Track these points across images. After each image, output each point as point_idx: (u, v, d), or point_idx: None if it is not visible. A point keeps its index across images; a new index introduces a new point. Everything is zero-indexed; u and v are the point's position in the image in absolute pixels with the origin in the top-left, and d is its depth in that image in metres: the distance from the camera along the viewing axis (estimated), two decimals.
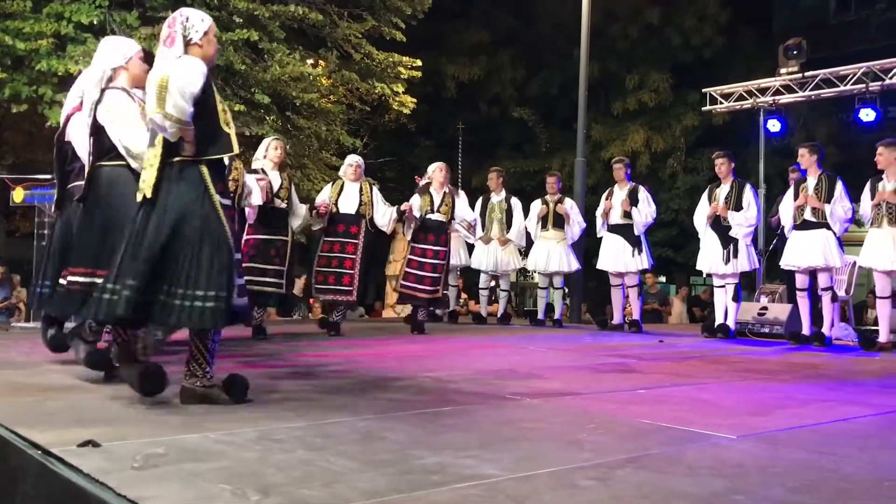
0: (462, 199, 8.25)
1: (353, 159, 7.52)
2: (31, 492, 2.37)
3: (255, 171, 6.73)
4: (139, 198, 3.45)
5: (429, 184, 7.93)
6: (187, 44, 3.56)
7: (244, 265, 6.22)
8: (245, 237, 6.59)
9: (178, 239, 3.33)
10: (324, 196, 7.35)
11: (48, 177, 7.82)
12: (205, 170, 3.44)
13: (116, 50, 4.23)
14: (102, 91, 4.09)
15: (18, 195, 7.49)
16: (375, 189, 7.63)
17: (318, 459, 2.44)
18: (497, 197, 9.45)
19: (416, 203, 7.80)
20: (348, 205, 7.22)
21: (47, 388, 3.73)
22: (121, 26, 9.57)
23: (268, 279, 6.63)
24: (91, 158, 4.05)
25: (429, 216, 7.77)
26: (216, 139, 3.48)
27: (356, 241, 7.17)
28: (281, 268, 6.69)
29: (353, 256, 7.13)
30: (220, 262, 3.33)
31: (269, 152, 6.94)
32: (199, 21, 3.65)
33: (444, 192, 7.89)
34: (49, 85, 9.34)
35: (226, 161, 3.72)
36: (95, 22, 9.30)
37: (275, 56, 10.45)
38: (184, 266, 3.30)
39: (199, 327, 3.36)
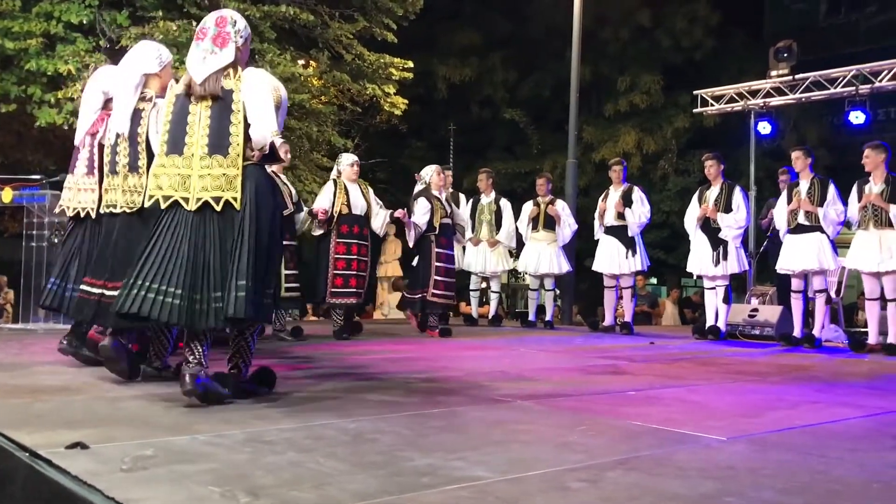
0: (460, 202, 8.28)
1: (351, 158, 7.41)
2: (19, 495, 2.35)
3: None
4: (217, 206, 3.40)
5: (428, 186, 7.83)
6: (236, 48, 3.58)
7: None
8: None
9: (255, 242, 3.41)
10: (322, 201, 7.16)
11: (37, 177, 7.78)
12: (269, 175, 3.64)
13: (152, 56, 4.15)
14: (152, 100, 4.03)
15: (7, 195, 7.44)
16: (370, 189, 7.61)
17: (307, 461, 2.43)
18: (486, 198, 9.45)
19: (426, 210, 7.65)
20: (357, 206, 7.16)
21: (36, 390, 3.71)
22: (111, 26, 9.53)
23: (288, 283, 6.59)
24: (146, 169, 3.89)
25: (444, 220, 7.73)
26: (272, 148, 3.53)
27: (367, 244, 7.21)
28: (290, 272, 6.59)
29: (366, 259, 7.17)
30: (277, 262, 3.71)
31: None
32: (244, 27, 3.68)
33: (447, 195, 8.02)
34: (38, 85, 9.29)
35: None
36: (85, 21, 9.25)
37: (266, 56, 10.41)
38: (260, 266, 3.41)
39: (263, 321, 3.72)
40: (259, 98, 3.48)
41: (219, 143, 3.45)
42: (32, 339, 6.19)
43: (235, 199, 3.39)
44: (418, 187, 7.87)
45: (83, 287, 4.14)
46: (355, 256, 7.09)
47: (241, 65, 3.59)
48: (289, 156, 3.54)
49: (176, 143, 3.50)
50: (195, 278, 3.36)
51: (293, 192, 6.94)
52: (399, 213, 7.57)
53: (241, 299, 3.32)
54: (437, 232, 7.68)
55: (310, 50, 11.76)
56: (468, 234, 9.06)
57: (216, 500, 2.03)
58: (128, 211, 4.01)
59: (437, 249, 7.69)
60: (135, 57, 4.18)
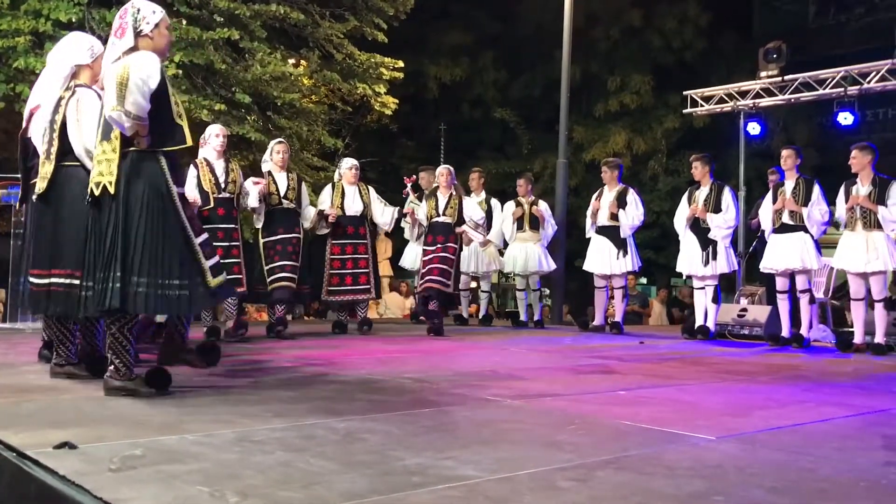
0: (469, 199, 8.27)
1: (350, 162, 7.75)
2: (7, 494, 2.34)
3: (262, 174, 7.09)
4: (98, 191, 3.50)
5: (436, 187, 8.13)
6: (137, 35, 3.58)
7: (271, 265, 6.84)
8: (262, 240, 6.97)
9: (143, 230, 3.42)
10: (326, 201, 7.57)
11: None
12: (163, 161, 3.53)
13: (83, 47, 4.16)
14: (73, 89, 4.02)
15: None
16: (372, 189, 7.86)
17: (297, 461, 2.43)
18: (477, 198, 9.46)
19: (422, 207, 8.08)
20: (352, 207, 7.53)
21: (23, 390, 3.69)
22: (100, 24, 9.48)
23: (287, 274, 6.91)
24: (56, 157, 3.94)
25: (435, 219, 7.92)
26: (171, 132, 3.56)
27: (366, 241, 7.56)
28: (296, 264, 6.96)
29: (366, 256, 7.53)
30: (184, 250, 3.48)
31: (273, 155, 7.16)
32: (150, 13, 3.65)
33: (451, 195, 8.01)
34: (27, 83, 9.22)
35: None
36: (74, 19, 9.20)
37: (256, 55, 10.39)
38: (154, 256, 3.41)
39: (176, 313, 3.52)
40: (107, 80, 3.50)
41: (105, 129, 3.56)
42: (20, 339, 6.16)
43: (111, 182, 3.46)
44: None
45: (32, 280, 4.04)
46: (350, 256, 7.45)
47: (154, 49, 3.60)
48: (147, 139, 3.49)
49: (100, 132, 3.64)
50: (88, 266, 3.50)
51: (283, 188, 7.04)
52: (407, 209, 8.03)
53: (109, 290, 3.37)
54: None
55: (300, 49, 11.74)
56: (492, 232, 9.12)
57: (205, 500, 2.02)
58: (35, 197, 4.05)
59: (423, 247, 8.06)
60: (66, 48, 4.19)
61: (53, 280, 3.85)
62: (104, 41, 8.20)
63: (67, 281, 3.81)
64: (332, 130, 13.29)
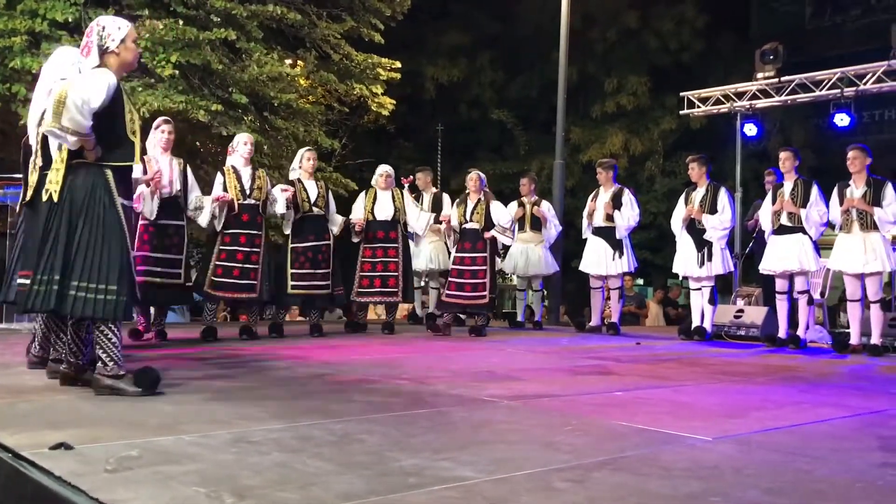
0: (497, 203, 8.29)
1: (383, 169, 7.96)
2: (3, 496, 2.33)
3: (292, 182, 7.32)
4: (45, 197, 3.70)
5: (466, 194, 8.24)
6: (104, 52, 3.74)
7: (297, 271, 7.11)
8: (290, 245, 7.23)
9: (84, 237, 3.59)
10: (359, 207, 7.84)
11: (21, 176, 7.73)
12: (109, 173, 3.69)
13: (68, 61, 4.22)
14: None
15: None
16: (406, 194, 8.13)
17: (294, 462, 2.43)
18: (471, 201, 9.45)
19: (453, 213, 8.23)
20: (383, 212, 7.77)
21: (19, 391, 3.68)
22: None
23: (317, 283, 7.23)
24: (40, 167, 4.09)
25: (464, 225, 8.06)
26: (120, 147, 3.72)
27: (396, 245, 7.77)
28: (327, 271, 7.27)
29: (396, 260, 7.74)
30: (121, 259, 3.63)
31: (303, 163, 7.39)
32: (115, 29, 3.78)
33: (479, 200, 8.10)
34: (23, 83, 9.21)
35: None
36: (70, 20, 9.18)
37: (252, 56, 10.38)
38: (91, 262, 3.57)
39: (105, 318, 3.58)
40: (50, 96, 3.65)
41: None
42: (17, 339, 6.15)
43: (56, 191, 3.66)
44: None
45: (19, 280, 4.32)
46: (381, 259, 7.72)
47: (120, 66, 3.77)
48: (93, 152, 3.63)
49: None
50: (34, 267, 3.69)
51: (312, 195, 7.26)
52: (444, 216, 8.26)
53: (46, 292, 3.57)
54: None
55: (297, 50, 11.73)
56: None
57: (202, 500, 2.02)
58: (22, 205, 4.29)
59: (454, 254, 8.29)
60: (53, 61, 4.30)
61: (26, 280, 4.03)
62: None
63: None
64: (329, 131, 13.28)
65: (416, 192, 9.18)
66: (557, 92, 11.75)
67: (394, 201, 7.83)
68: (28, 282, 3.95)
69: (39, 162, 4.12)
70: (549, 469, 2.44)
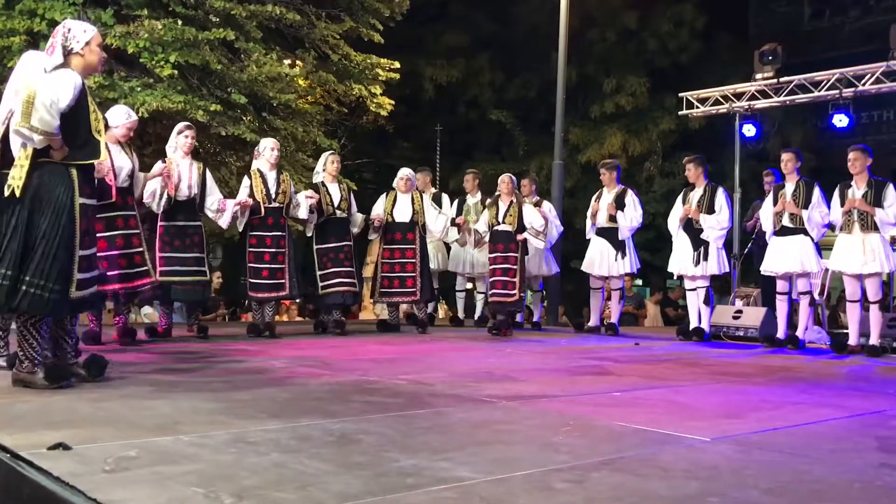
0: (529, 206, 8.37)
1: (403, 173, 8.17)
2: (1, 496, 2.33)
3: (314, 186, 7.62)
4: (7, 192, 3.72)
5: (498, 196, 8.33)
6: (68, 53, 3.85)
7: (323, 272, 7.45)
8: (315, 247, 7.53)
9: (41, 232, 3.67)
10: (378, 207, 8.06)
11: None
12: (74, 172, 3.79)
13: (36, 65, 4.21)
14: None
15: None
16: (426, 197, 8.36)
17: (292, 462, 2.43)
18: (473, 199, 9.46)
19: (484, 215, 8.39)
20: (402, 214, 7.98)
21: (16, 391, 3.68)
22: (95, 24, 9.44)
23: (343, 280, 7.52)
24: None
25: (495, 227, 8.16)
26: (85, 145, 3.82)
27: (414, 247, 7.98)
28: (350, 269, 7.60)
29: (413, 260, 7.94)
30: (64, 257, 3.71)
31: (327, 166, 7.67)
32: (81, 32, 3.91)
33: (511, 202, 8.19)
34: None
35: (96, 164, 4.05)
36: (69, 19, 9.18)
37: (251, 56, 10.36)
38: (41, 257, 3.66)
39: (41, 314, 3.71)
40: (18, 96, 3.72)
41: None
42: (12, 339, 6.13)
43: (18, 187, 3.68)
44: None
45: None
46: (398, 260, 7.95)
47: (84, 68, 3.89)
48: (60, 152, 3.72)
49: None
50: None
51: (336, 199, 7.50)
52: (460, 219, 8.42)
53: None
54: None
55: (296, 50, 11.72)
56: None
57: (200, 501, 2.02)
58: None
59: (489, 255, 8.38)
60: (23, 65, 4.31)
61: None
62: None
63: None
64: (328, 131, 13.26)
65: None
66: (556, 92, 11.75)
67: (413, 204, 8.03)
68: None
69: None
70: (547, 469, 2.44)
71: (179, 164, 6.51)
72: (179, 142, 6.64)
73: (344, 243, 7.60)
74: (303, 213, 7.28)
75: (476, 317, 9.72)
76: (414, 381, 4.36)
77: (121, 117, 5.99)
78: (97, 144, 3.87)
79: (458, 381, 4.39)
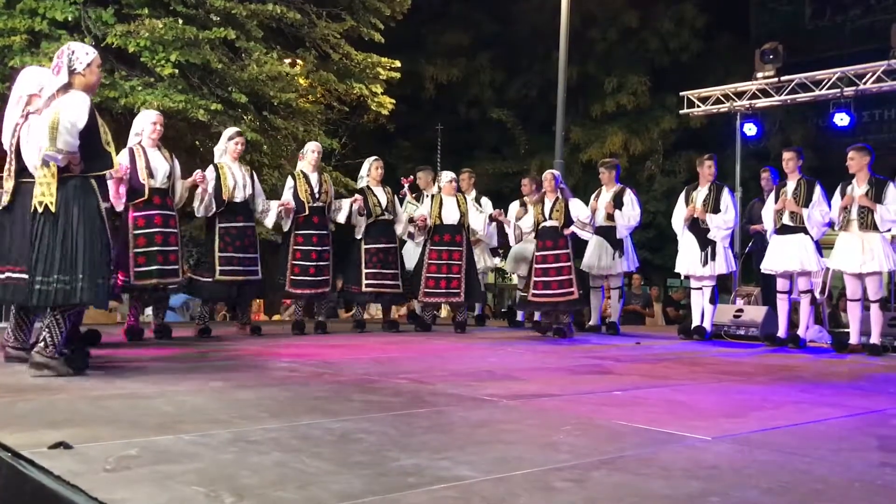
0: (575, 200, 8.29)
1: (448, 176, 8.39)
2: (1, 495, 2.33)
3: (361, 190, 7.89)
4: (41, 209, 4.09)
5: (543, 193, 8.26)
6: (71, 73, 4.22)
7: (370, 271, 7.79)
8: (364, 247, 7.82)
9: (83, 237, 4.09)
10: (424, 210, 8.27)
11: None
12: (94, 183, 4.24)
13: (35, 81, 4.58)
14: (25, 115, 4.51)
15: None
16: (469, 198, 8.57)
17: (293, 461, 2.43)
18: (468, 197, 9.46)
19: (529, 213, 8.40)
20: (450, 216, 8.17)
21: (18, 389, 3.68)
22: (96, 23, 9.46)
23: (387, 281, 7.85)
24: (15, 174, 4.45)
25: (543, 224, 8.04)
26: (99, 158, 4.24)
27: (460, 249, 8.15)
28: (397, 271, 7.93)
29: (459, 262, 8.12)
30: (104, 253, 4.20)
31: (371, 171, 7.97)
32: (84, 54, 4.30)
33: (556, 199, 8.10)
34: None
35: (107, 174, 4.49)
36: (70, 19, 9.18)
37: (252, 55, 10.37)
38: (91, 259, 4.09)
39: (104, 300, 4.25)
40: (42, 121, 4.11)
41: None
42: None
43: (52, 203, 4.08)
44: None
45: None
46: (445, 261, 8.10)
47: (85, 87, 4.25)
48: (79, 166, 4.12)
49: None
50: (34, 267, 4.11)
51: (383, 202, 7.83)
52: (496, 212, 8.43)
53: (55, 290, 4.05)
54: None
55: (297, 49, 11.73)
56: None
57: (201, 500, 2.02)
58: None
59: (535, 253, 8.27)
60: (21, 80, 4.70)
61: (8, 275, 4.37)
62: (100, 40, 8.58)
63: (18, 276, 4.31)
64: (329, 130, 13.27)
65: (417, 192, 9.18)
66: (557, 91, 11.75)
67: (459, 206, 8.21)
68: (16, 277, 4.34)
69: (13, 172, 4.45)
70: (547, 469, 2.44)
71: (231, 168, 6.91)
72: (229, 147, 6.99)
73: (391, 245, 7.94)
74: (341, 217, 7.61)
75: (475, 315, 9.71)
76: (415, 380, 4.36)
77: (144, 119, 6.42)
78: (109, 156, 4.29)
79: (459, 381, 4.39)
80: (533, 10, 17.27)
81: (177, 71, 9.53)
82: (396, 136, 18.64)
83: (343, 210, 7.61)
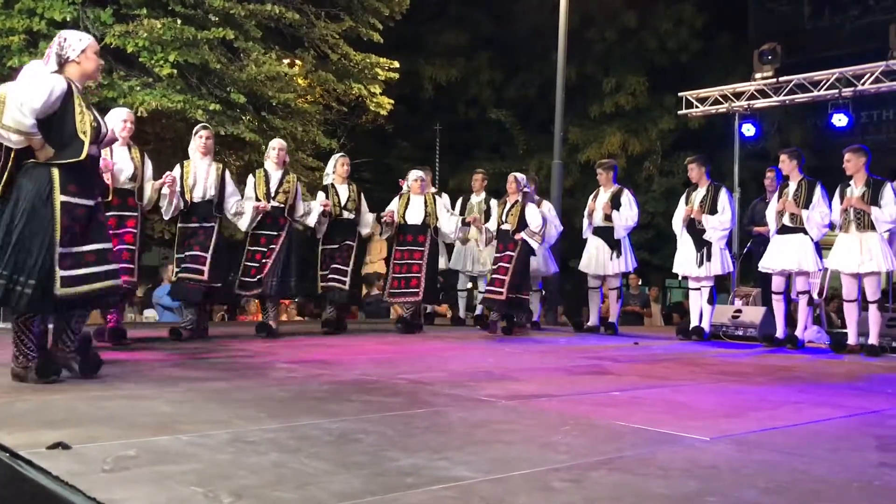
0: (532, 207, 8.32)
1: (416, 174, 8.29)
2: (0, 495, 2.33)
3: (325, 188, 7.72)
4: None
5: (507, 195, 8.35)
6: (64, 62, 4.01)
7: (323, 272, 7.51)
8: (321, 247, 7.61)
9: (15, 229, 3.77)
10: (391, 208, 8.17)
11: None
12: (55, 171, 3.88)
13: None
14: None
15: None
16: (439, 199, 8.42)
17: (291, 461, 2.43)
18: (477, 197, 9.49)
19: (493, 214, 8.45)
20: (415, 216, 8.09)
21: (15, 389, 3.68)
22: (94, 24, 9.46)
23: (335, 276, 7.56)
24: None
25: (500, 226, 8.20)
26: (69, 146, 3.91)
27: (422, 249, 8.05)
28: (345, 267, 7.59)
29: (420, 262, 8.03)
30: (39, 253, 3.78)
31: (337, 168, 7.79)
32: (76, 41, 4.07)
33: (515, 202, 8.21)
34: None
35: (102, 163, 4.36)
36: (68, 19, 9.16)
37: (251, 55, 10.36)
38: (13, 252, 3.76)
39: (19, 311, 3.84)
40: None
41: None
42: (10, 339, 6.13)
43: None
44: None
45: None
46: (407, 261, 8.02)
47: (81, 75, 4.06)
48: (43, 152, 3.83)
49: None
50: None
51: (343, 199, 7.61)
52: (471, 218, 8.52)
53: None
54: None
55: (295, 49, 11.72)
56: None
57: (199, 500, 2.02)
58: None
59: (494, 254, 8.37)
60: (26, 73, 4.40)
61: None
62: (99, 40, 8.44)
63: None
64: (328, 131, 13.26)
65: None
66: (556, 91, 11.75)
67: (426, 206, 8.12)
68: None
69: None
70: (546, 469, 2.44)
71: (197, 165, 6.61)
72: (196, 143, 6.73)
73: (346, 242, 7.65)
74: (312, 220, 7.40)
75: (475, 315, 9.72)
76: (413, 380, 4.36)
77: (114, 117, 5.97)
78: (81, 144, 3.93)
79: (458, 381, 4.39)
80: (531, 10, 17.27)
81: (175, 71, 9.52)
82: (395, 137, 18.63)
83: (313, 213, 7.37)
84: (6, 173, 3.87)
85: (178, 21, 9.52)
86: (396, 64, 12.26)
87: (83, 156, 3.94)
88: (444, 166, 17.84)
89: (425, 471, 2.37)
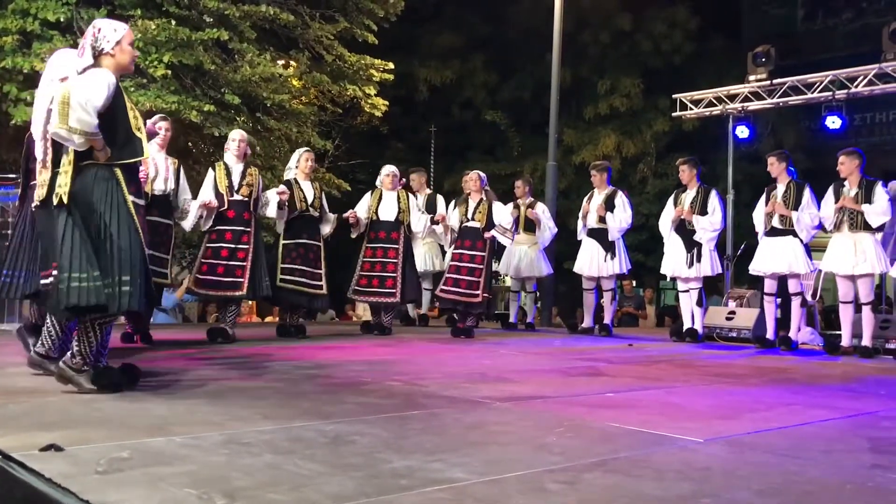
0: (498, 204, 8.28)
1: (388, 170, 8.03)
2: None
3: (288, 182, 7.30)
4: (56, 201, 3.67)
5: (468, 193, 8.26)
6: (99, 54, 3.78)
7: (287, 266, 7.10)
8: (282, 242, 7.20)
9: (102, 233, 3.63)
10: (362, 205, 7.91)
11: (13, 176, 7.71)
12: (119, 172, 3.72)
13: (65, 63, 4.24)
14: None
15: None
16: (412, 197, 8.22)
17: (285, 463, 2.42)
18: (472, 200, 9.47)
19: (454, 212, 8.28)
20: (387, 213, 7.82)
21: (9, 391, 3.66)
22: (88, 24, 9.43)
23: (307, 280, 7.18)
24: (52, 164, 4.02)
25: (465, 224, 8.06)
26: (127, 144, 3.75)
27: (396, 247, 7.78)
28: (316, 271, 7.23)
29: (395, 261, 7.75)
30: (132, 253, 3.65)
31: (300, 163, 7.42)
32: (111, 31, 3.83)
33: (480, 200, 8.12)
34: (14, 82, 9.18)
35: (143, 162, 4.02)
36: (62, 19, 9.15)
37: (245, 56, 10.35)
38: (110, 256, 3.61)
39: (129, 310, 3.72)
40: (54, 99, 3.67)
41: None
42: (7, 340, 6.11)
43: (65, 194, 3.64)
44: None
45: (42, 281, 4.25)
46: (380, 259, 7.75)
47: (116, 67, 3.81)
48: (103, 153, 3.66)
49: None
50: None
51: (309, 197, 7.27)
52: (439, 215, 8.28)
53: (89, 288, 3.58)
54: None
55: (290, 50, 11.71)
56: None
57: (193, 502, 2.01)
58: (37, 205, 4.13)
59: (452, 251, 8.27)
60: (53, 64, 4.31)
61: (51, 279, 3.97)
62: None
63: (50, 280, 3.93)
64: (322, 132, 13.25)
65: (411, 193, 9.18)
66: (550, 93, 11.77)
67: (399, 202, 7.89)
68: (50, 280, 3.92)
69: (49, 162, 4.05)
70: (540, 470, 2.44)
71: (155, 158, 6.20)
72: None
73: (314, 242, 7.29)
74: (271, 211, 6.93)
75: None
76: (408, 382, 4.35)
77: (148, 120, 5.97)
78: (139, 142, 3.81)
79: (452, 383, 4.39)
80: (526, 12, 17.29)
81: (169, 72, 9.50)
82: (390, 138, 18.62)
83: (271, 203, 6.89)
84: (57, 176, 3.71)
85: (173, 22, 9.51)
86: (391, 65, 12.26)
87: (146, 154, 3.86)
88: (438, 168, 17.82)
89: (420, 472, 2.37)
